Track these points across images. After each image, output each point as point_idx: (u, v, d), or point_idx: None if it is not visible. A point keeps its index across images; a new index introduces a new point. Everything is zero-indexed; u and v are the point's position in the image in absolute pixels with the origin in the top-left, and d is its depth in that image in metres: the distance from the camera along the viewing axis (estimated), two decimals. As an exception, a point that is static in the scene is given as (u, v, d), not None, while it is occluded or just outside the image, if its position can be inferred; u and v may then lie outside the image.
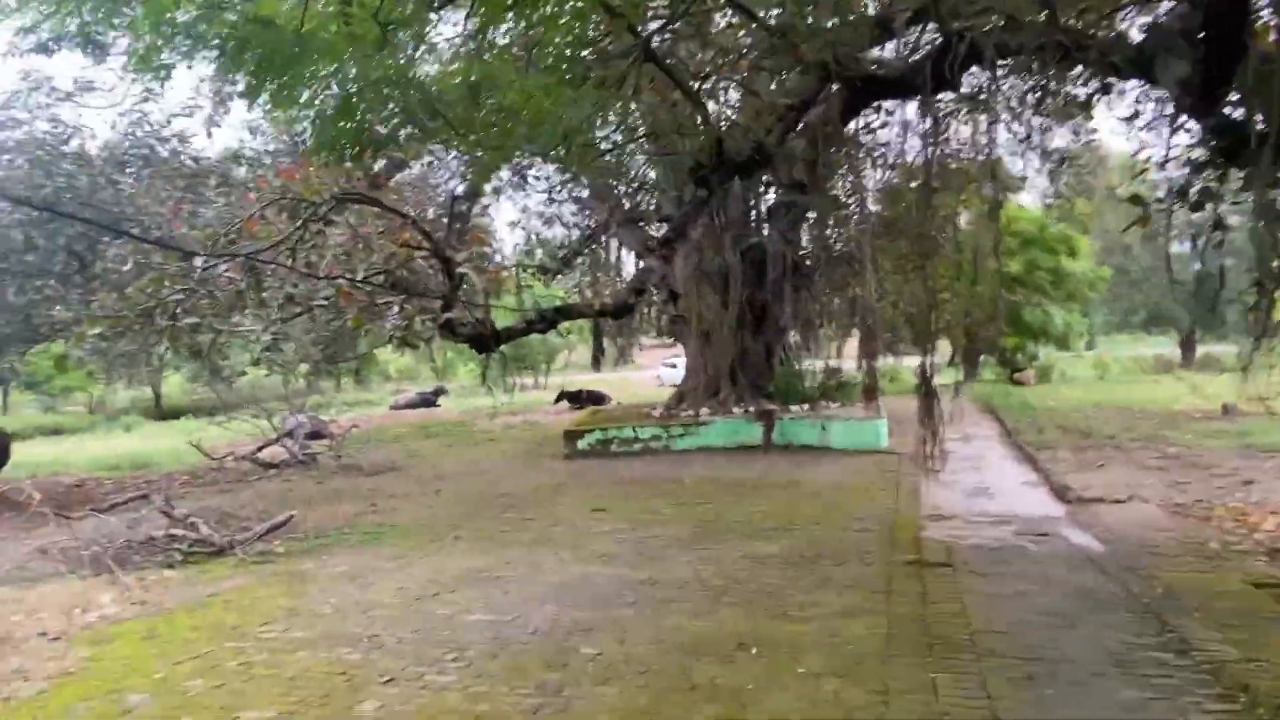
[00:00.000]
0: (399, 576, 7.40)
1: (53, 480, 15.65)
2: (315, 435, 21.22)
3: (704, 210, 9.28)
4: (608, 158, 11.15)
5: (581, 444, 15.34)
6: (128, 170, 11.91)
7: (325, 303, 6.49)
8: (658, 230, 16.25)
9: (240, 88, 7.31)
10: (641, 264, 12.86)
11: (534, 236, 18.48)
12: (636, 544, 8.31)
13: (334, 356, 13.13)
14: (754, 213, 16.13)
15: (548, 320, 7.56)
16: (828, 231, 15.06)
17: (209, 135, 11.90)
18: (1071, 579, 6.56)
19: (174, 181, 10.61)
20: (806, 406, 15.82)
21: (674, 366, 39.83)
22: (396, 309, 6.62)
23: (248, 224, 5.88)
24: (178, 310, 6.48)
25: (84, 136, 11.86)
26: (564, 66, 6.43)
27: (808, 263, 15.77)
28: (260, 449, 16.36)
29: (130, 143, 12.23)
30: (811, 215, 14.73)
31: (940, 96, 8.21)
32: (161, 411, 37.88)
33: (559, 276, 18.72)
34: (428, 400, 31.61)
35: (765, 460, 13.65)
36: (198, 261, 5.97)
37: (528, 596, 6.52)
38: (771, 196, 15.85)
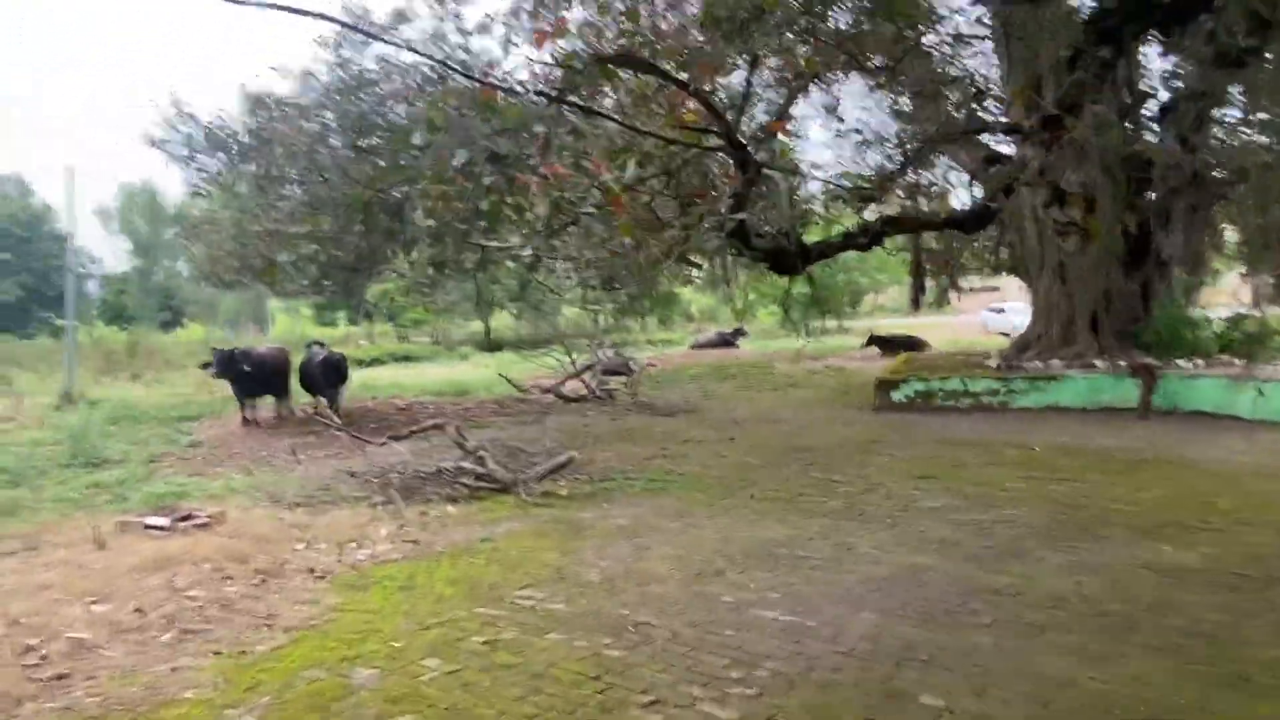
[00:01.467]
0: (682, 540, 6.30)
1: (389, 401, 17.14)
2: (617, 371, 21.47)
3: (1108, 77, 6.80)
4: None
5: (896, 395, 13.32)
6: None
7: (594, 211, 5.40)
8: (1000, 142, 13.37)
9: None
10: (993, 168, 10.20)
11: (848, 162, 16.29)
12: (980, 530, 6.41)
13: (610, 281, 12.33)
14: (1132, 110, 12.48)
15: (872, 234, 5.86)
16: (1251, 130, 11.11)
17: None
18: None
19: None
20: (1200, 362, 12.25)
21: (1001, 311, 35.11)
22: (677, 216, 5.34)
23: (483, 93, 4.91)
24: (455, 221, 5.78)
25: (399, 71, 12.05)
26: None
27: (1214, 174, 11.92)
28: (561, 383, 16.53)
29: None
30: (1229, 111, 10.95)
31: None
32: (489, 344, 41.66)
33: (873, 205, 16.44)
34: (727, 340, 30.96)
35: (1144, 429, 10.65)
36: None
37: (838, 593, 5.03)
38: (1161, 92, 12.17)
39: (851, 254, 43.14)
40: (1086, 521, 6.59)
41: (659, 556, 5.85)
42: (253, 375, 13.80)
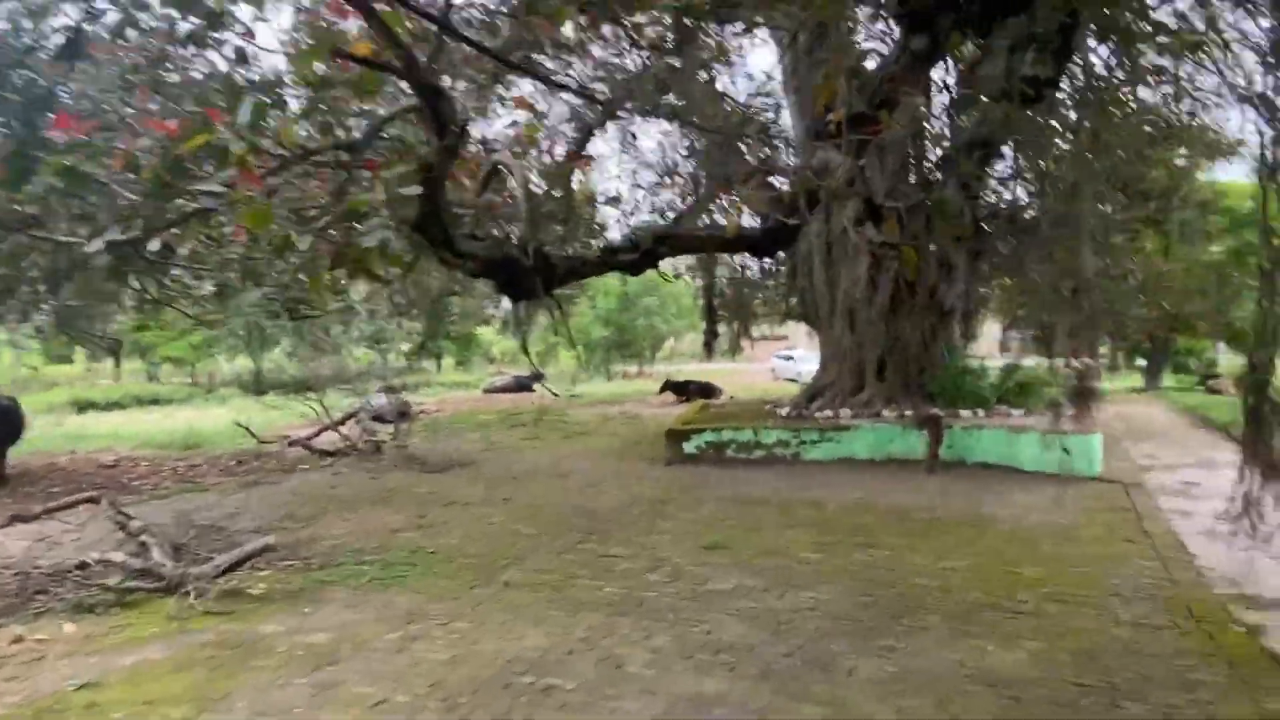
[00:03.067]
0: (392, 667, 4.59)
1: (91, 457, 13.92)
2: (400, 417, 19.20)
3: (926, 69, 6.06)
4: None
5: (688, 446, 12.32)
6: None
7: (219, 192, 3.60)
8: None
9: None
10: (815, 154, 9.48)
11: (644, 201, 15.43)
12: (778, 626, 5.22)
13: (294, 307, 10.35)
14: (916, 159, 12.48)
15: (643, 252, 4.62)
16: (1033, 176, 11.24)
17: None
18: None
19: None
20: (980, 412, 12.26)
21: (790, 358, 36.19)
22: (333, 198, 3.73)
23: None
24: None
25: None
26: None
27: (995, 222, 12.04)
28: (317, 434, 14.18)
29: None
30: (1010, 155, 11.02)
31: None
32: (258, 386, 37.30)
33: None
34: (523, 385, 29.35)
35: (934, 483, 10.23)
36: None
37: (593, 747, 3.56)
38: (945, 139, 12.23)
39: (652, 299, 43.10)
40: (895, 606, 5.61)
41: (345, 701, 4.10)
42: None
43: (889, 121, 4.16)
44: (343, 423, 14.54)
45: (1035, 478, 10.36)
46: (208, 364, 42.34)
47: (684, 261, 20.97)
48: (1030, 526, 7.94)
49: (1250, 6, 11.20)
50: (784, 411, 13.39)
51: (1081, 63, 6.31)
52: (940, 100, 11.08)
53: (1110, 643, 4.89)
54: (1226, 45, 10.33)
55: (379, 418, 18.38)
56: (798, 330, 52.07)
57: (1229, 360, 29.08)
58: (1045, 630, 5.07)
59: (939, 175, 10.91)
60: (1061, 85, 8.88)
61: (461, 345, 45.47)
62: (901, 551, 7.08)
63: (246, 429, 13.65)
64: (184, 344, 38.18)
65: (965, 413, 12.17)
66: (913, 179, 11.30)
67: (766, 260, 15.03)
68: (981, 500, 9.17)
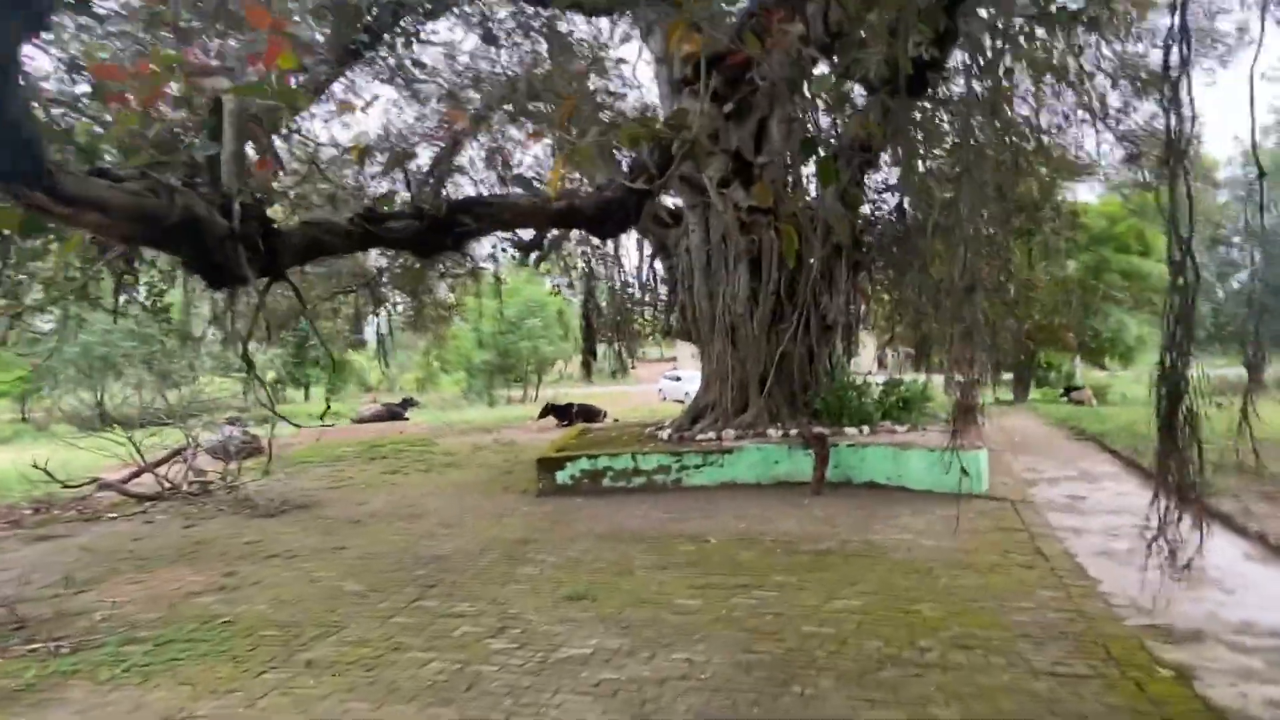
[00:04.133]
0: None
1: None
2: (254, 451, 17.26)
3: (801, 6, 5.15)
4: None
5: (562, 476, 11.23)
6: None
7: None
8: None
9: None
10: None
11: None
12: (642, 706, 4.20)
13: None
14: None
15: (429, 220, 3.50)
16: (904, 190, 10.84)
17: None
18: None
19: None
20: (866, 429, 11.72)
21: (678, 379, 35.63)
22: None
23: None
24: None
25: None
26: None
27: (869, 237, 11.61)
28: (133, 476, 12.26)
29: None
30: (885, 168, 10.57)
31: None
32: (101, 420, 33.61)
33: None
34: (394, 413, 27.40)
35: (821, 506, 9.51)
36: None
37: None
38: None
39: (535, 320, 41.78)
40: (783, 667, 4.69)
41: None
42: None
43: (758, 51, 3.34)
44: (164, 462, 12.64)
45: (924, 497, 9.81)
46: (40, 399, 37.96)
47: (567, 279, 20.00)
48: (924, 554, 7.27)
49: (1102, 34, 11.40)
50: (665, 434, 12.50)
51: (969, 49, 5.75)
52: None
53: (1031, 703, 4.11)
54: (1082, 70, 10.38)
55: (221, 453, 16.44)
56: (684, 350, 51.98)
57: (1086, 372, 30.47)
58: (957, 690, 4.26)
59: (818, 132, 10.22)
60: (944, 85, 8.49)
61: (332, 372, 42.74)
62: (789, 591, 6.22)
63: (45, 470, 11.56)
64: (10, 378, 34.17)
65: (851, 430, 11.60)
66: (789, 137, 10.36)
67: (644, 272, 14.21)
68: (870, 525, 8.49)
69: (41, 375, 30.57)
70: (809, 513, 9.20)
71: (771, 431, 11.54)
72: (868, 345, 22.46)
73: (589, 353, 15.89)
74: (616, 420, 21.88)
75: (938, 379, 12.70)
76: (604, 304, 16.90)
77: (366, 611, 6.12)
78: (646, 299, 15.05)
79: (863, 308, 13.56)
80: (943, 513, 8.83)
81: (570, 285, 20.79)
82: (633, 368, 45.27)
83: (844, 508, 9.39)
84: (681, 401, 32.70)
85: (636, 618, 5.69)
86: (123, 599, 6.81)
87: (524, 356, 40.83)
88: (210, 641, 5.56)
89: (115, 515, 10.87)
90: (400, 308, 19.99)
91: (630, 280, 16.51)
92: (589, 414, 21.86)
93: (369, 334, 25.76)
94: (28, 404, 38.25)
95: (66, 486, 11.85)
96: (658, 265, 13.85)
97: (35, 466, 11.65)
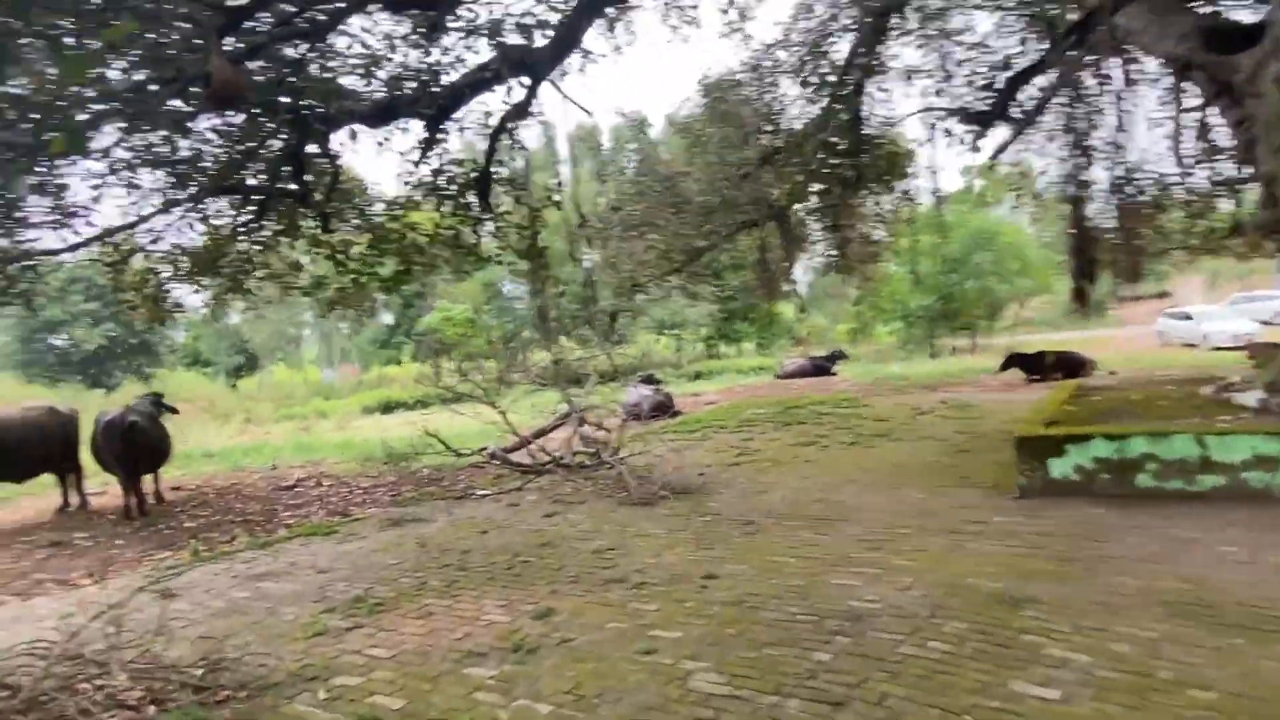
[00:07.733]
0: None
1: (274, 477, 12.15)
2: (661, 409, 15.97)
3: None
4: None
5: (1060, 466, 6.95)
6: None
7: None
8: None
9: None
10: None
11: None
12: None
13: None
14: None
15: None
16: None
17: None
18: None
19: None
20: None
21: (1188, 318, 26.78)
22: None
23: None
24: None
25: None
26: None
27: None
28: (515, 448, 11.05)
29: None
30: None
31: None
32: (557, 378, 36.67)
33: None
34: (821, 368, 24.51)
35: None
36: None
37: None
38: None
39: (985, 254, 35.32)
40: None
41: None
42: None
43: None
44: (548, 431, 11.24)
45: None
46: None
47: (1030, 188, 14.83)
48: None
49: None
50: (1248, 399, 7.36)
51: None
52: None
53: None
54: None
55: (634, 413, 15.15)
56: (1186, 285, 39.96)
57: None
58: None
59: None
60: None
61: (761, 326, 41.42)
62: None
63: (438, 438, 10.83)
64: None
65: None
66: None
67: (1180, 140, 8.75)
68: None
69: (510, 338, 34.06)
70: None
71: None
72: None
73: (1084, 275, 10.82)
74: (1113, 373, 16.06)
75: None
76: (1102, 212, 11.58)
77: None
78: (1184, 182, 9.54)
79: None
80: None
81: (1036, 196, 15.45)
82: (1118, 306, 35.92)
83: None
84: (1194, 346, 24.29)
85: None
86: (374, 651, 4.71)
87: (971, 299, 34.79)
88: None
89: (488, 492, 9.51)
90: (820, 246, 16.73)
91: (1141, 164, 10.94)
92: (1070, 365, 16.37)
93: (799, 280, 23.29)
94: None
95: (459, 455, 11.01)
96: (1213, 119, 8.40)
97: (427, 434, 10.96)
